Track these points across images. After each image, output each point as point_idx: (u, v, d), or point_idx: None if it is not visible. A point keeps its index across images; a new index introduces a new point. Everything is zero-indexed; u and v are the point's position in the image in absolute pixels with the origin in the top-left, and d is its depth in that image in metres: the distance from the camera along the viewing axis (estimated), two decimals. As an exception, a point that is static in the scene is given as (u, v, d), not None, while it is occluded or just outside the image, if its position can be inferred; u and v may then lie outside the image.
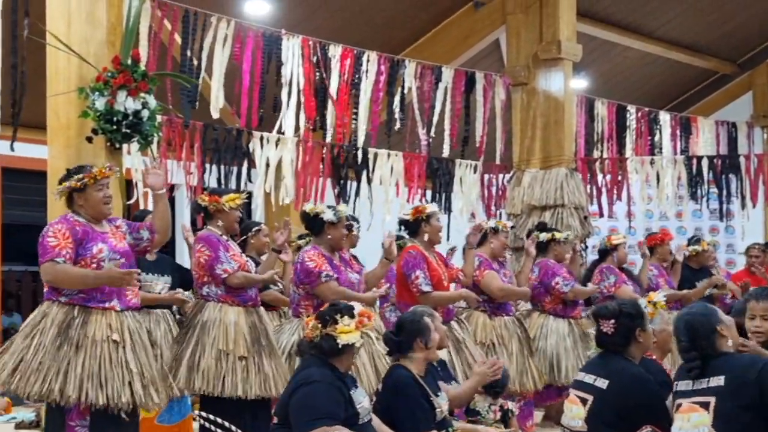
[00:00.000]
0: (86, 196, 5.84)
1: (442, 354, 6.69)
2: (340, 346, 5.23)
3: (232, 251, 7.09)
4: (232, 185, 9.67)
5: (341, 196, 10.70)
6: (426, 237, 7.99)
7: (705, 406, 4.68)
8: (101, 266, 5.72)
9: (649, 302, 5.96)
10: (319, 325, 5.29)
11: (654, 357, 5.82)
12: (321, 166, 10.50)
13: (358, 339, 5.31)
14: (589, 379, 5.38)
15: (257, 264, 7.73)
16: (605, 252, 10.38)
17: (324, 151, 10.46)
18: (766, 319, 5.31)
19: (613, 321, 5.41)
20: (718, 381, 4.68)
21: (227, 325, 6.80)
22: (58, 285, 5.68)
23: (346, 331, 5.25)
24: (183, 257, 11.86)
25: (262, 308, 7.18)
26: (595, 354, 5.64)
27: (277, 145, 10.04)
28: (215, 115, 9.42)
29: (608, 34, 14.36)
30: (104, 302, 5.71)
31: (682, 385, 4.87)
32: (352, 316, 5.31)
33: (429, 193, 11.67)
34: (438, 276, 7.88)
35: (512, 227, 9.63)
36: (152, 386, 5.80)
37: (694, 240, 11.28)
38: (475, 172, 11.94)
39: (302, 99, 9.98)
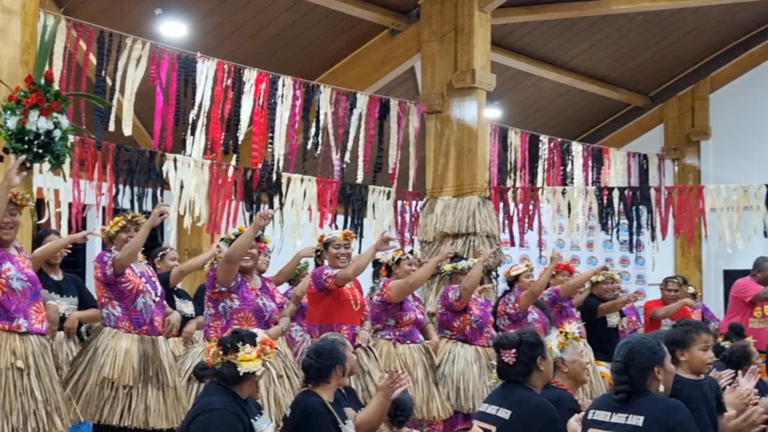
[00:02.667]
0: None
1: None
2: (240, 374, 5.16)
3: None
4: (147, 207, 9.59)
5: (253, 219, 10.67)
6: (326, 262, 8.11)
7: None
8: (9, 284, 5.71)
9: (561, 332, 6.01)
10: (221, 352, 5.22)
11: (566, 387, 5.86)
12: (234, 190, 10.47)
13: (260, 367, 5.24)
14: (491, 410, 5.40)
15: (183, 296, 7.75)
16: (510, 283, 10.50)
17: (236, 175, 10.43)
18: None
19: (514, 351, 5.45)
20: (637, 420, 4.68)
21: (117, 352, 6.63)
22: None
23: (247, 359, 5.17)
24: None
25: (161, 338, 7.03)
26: (495, 384, 5.67)
27: (190, 167, 9.99)
28: (127, 132, 9.37)
29: (522, 65, 14.50)
30: (12, 320, 5.65)
31: (600, 415, 4.86)
32: (254, 344, 5.25)
33: (341, 218, 11.67)
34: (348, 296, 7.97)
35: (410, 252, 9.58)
36: (56, 413, 5.72)
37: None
38: (388, 198, 11.98)
39: (209, 122, 9.98)
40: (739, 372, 6.78)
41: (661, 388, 4.89)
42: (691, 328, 5.55)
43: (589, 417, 4.92)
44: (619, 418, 4.73)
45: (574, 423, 5.13)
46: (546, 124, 15.68)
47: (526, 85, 15.34)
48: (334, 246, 8.08)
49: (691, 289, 12.40)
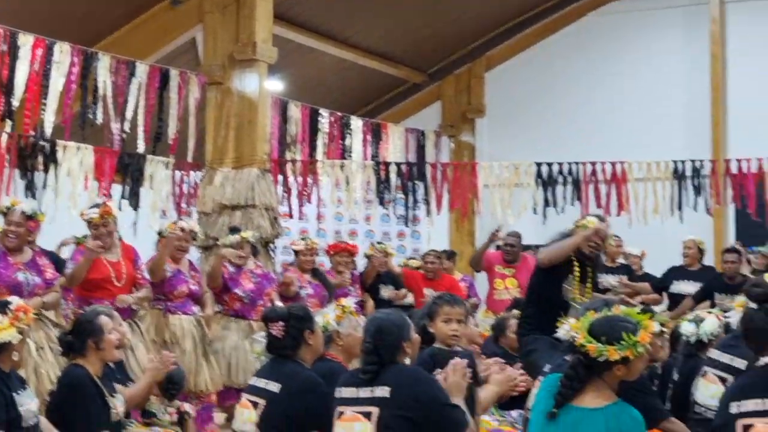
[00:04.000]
0: None
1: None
2: None
3: None
4: None
5: (30, 188, 10.41)
6: None
7: (367, 416, 4.71)
8: None
9: (338, 306, 6.12)
10: None
11: (340, 360, 5.96)
12: (8, 157, 10.18)
13: (15, 336, 5.07)
14: (261, 383, 5.43)
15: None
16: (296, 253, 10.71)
17: (10, 142, 10.14)
18: (461, 323, 5.54)
19: (282, 324, 5.49)
20: (384, 392, 4.73)
21: None
22: None
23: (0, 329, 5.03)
24: None
25: None
26: (258, 357, 5.71)
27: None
28: None
29: (304, 39, 14.56)
30: None
31: (346, 392, 4.89)
32: (4, 312, 5.11)
33: (119, 188, 11.49)
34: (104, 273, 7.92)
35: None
36: None
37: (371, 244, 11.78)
38: (166, 168, 11.86)
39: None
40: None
41: (407, 361, 4.98)
42: (436, 300, 5.72)
43: (338, 395, 4.95)
44: (365, 392, 4.78)
45: None
46: (326, 99, 15.78)
47: (307, 59, 15.41)
48: (92, 227, 8.02)
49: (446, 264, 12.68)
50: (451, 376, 4.96)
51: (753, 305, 4.26)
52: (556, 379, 4.43)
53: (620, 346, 4.24)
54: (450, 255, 12.84)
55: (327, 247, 11.77)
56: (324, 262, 12.14)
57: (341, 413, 4.86)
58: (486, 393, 5.42)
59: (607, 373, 4.30)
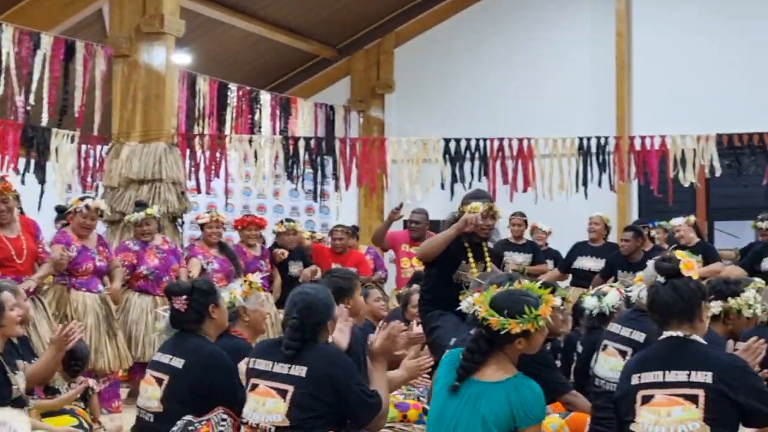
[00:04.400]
0: None
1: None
2: None
3: None
4: None
5: None
6: None
7: (282, 393, 4.70)
8: None
9: (245, 281, 6.10)
10: None
11: (245, 336, 5.95)
12: None
13: None
14: (165, 359, 5.38)
15: None
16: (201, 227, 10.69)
17: None
18: None
19: (185, 297, 5.44)
20: (300, 371, 4.70)
21: None
22: None
23: None
24: None
25: None
26: (160, 333, 5.68)
27: None
28: None
29: (213, 12, 14.45)
30: None
31: (261, 365, 4.85)
32: None
33: (23, 161, 11.33)
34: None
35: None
36: None
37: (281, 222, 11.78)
38: (72, 142, 11.71)
39: None
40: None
41: (330, 339, 4.96)
42: (351, 275, 5.77)
43: (252, 366, 4.92)
44: (281, 368, 4.75)
45: (243, 366, 5.21)
46: (235, 73, 15.69)
47: (216, 33, 15.31)
48: None
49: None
50: (382, 341, 5.01)
51: (661, 279, 4.35)
52: (458, 353, 4.48)
53: (522, 319, 4.31)
54: (353, 230, 12.88)
55: (235, 222, 11.72)
56: (233, 237, 12.12)
57: (255, 385, 4.82)
58: (395, 377, 5.44)
59: (509, 346, 4.37)
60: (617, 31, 15.75)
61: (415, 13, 17.06)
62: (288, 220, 11.72)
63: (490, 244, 7.72)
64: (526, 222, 12.68)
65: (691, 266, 4.30)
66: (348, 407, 4.72)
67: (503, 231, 11.83)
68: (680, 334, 4.29)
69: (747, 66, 15.00)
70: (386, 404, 4.93)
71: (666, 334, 4.33)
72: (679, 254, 4.36)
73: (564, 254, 12.34)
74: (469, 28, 16.76)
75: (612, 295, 6.58)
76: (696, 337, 4.30)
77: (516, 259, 12.05)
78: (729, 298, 5.78)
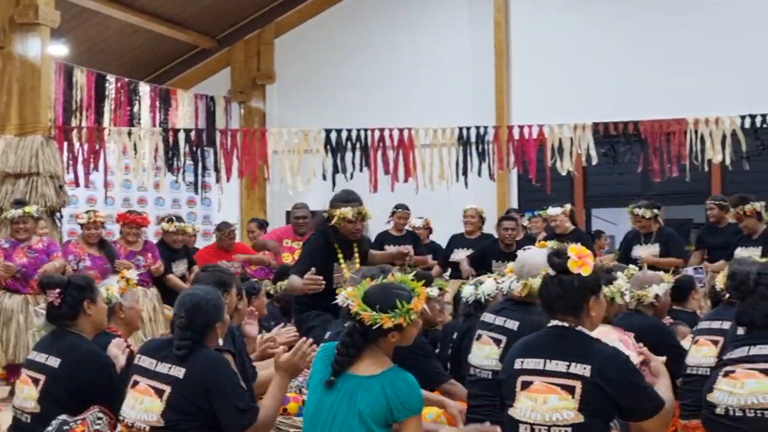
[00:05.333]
0: None
1: None
2: None
3: None
4: None
5: None
6: None
7: (159, 393, 4.60)
8: None
9: (122, 278, 6.04)
10: None
11: (120, 333, 5.88)
12: None
13: None
14: (41, 357, 5.24)
15: None
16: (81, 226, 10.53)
17: None
18: None
19: (58, 291, 5.34)
20: (179, 372, 4.61)
21: None
22: None
23: None
24: None
25: None
26: (38, 331, 5.59)
27: None
28: None
29: (89, 2, 14.19)
30: None
31: (145, 362, 4.75)
32: None
33: None
34: None
35: None
36: None
37: (166, 219, 11.60)
38: (-55, 136, 11.48)
39: None
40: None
41: (221, 342, 4.86)
42: (231, 273, 5.79)
43: (137, 362, 4.82)
44: (163, 368, 4.66)
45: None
46: (113, 64, 15.51)
47: (92, 24, 15.08)
48: None
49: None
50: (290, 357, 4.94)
51: (551, 272, 4.41)
52: (333, 347, 4.50)
53: (394, 313, 4.32)
54: (261, 225, 12.87)
55: (117, 216, 11.57)
56: (113, 230, 11.99)
57: (137, 382, 4.73)
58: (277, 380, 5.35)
59: (382, 339, 4.39)
60: (495, 20, 15.90)
61: (295, 4, 17.02)
62: (179, 219, 11.57)
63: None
64: (407, 214, 12.71)
65: (580, 263, 4.37)
66: (217, 413, 4.60)
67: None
68: (565, 324, 4.36)
69: (623, 56, 15.28)
70: (270, 419, 4.80)
71: (552, 322, 4.40)
72: (572, 249, 4.43)
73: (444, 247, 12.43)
74: (350, 19, 16.78)
75: (488, 284, 6.68)
76: (581, 328, 4.37)
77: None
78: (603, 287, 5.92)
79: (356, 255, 7.49)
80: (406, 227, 12.51)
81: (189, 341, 4.65)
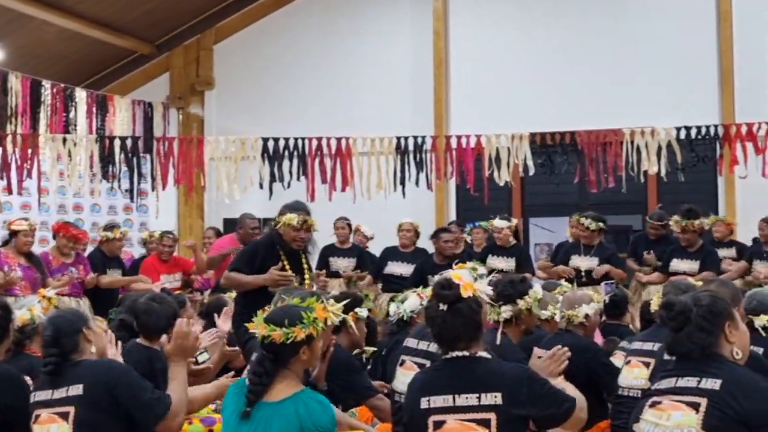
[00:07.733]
0: None
1: None
2: None
3: None
4: None
5: None
6: None
7: (64, 416, 4.58)
8: None
9: (43, 297, 5.98)
10: None
11: (37, 353, 5.77)
12: None
13: None
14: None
15: None
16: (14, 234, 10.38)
17: None
18: None
19: None
20: (77, 390, 4.59)
21: None
22: None
23: None
24: None
25: None
26: None
27: None
28: None
29: (24, 7, 14.03)
30: None
31: (41, 395, 4.71)
32: None
33: None
34: None
35: None
36: None
37: (109, 227, 11.53)
38: None
39: None
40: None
41: (93, 350, 4.81)
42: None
43: (33, 399, 4.78)
44: (60, 393, 4.63)
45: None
46: (49, 69, 15.33)
47: (28, 29, 14.89)
48: None
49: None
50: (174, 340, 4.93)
51: (443, 306, 4.34)
52: (243, 382, 4.49)
53: (303, 325, 4.36)
54: (219, 233, 12.88)
55: (54, 226, 11.44)
56: (48, 237, 11.87)
57: (38, 416, 4.69)
58: (203, 392, 5.33)
59: (294, 360, 4.39)
60: (435, 29, 15.93)
61: (234, 10, 16.94)
62: (112, 225, 11.51)
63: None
64: (350, 226, 12.70)
65: (468, 287, 4.35)
66: (130, 412, 4.61)
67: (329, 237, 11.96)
68: (466, 353, 4.32)
69: (560, 67, 15.37)
70: (182, 403, 4.77)
71: (451, 354, 4.35)
72: (454, 276, 4.40)
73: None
74: (290, 26, 16.73)
75: (411, 300, 6.67)
76: (482, 353, 4.35)
77: (339, 264, 12.16)
78: (518, 300, 5.96)
79: (305, 268, 7.62)
80: (352, 239, 12.55)
81: (56, 357, 4.68)
